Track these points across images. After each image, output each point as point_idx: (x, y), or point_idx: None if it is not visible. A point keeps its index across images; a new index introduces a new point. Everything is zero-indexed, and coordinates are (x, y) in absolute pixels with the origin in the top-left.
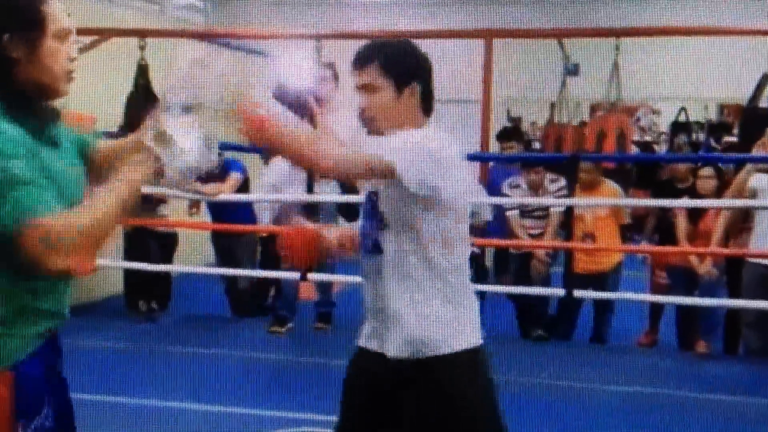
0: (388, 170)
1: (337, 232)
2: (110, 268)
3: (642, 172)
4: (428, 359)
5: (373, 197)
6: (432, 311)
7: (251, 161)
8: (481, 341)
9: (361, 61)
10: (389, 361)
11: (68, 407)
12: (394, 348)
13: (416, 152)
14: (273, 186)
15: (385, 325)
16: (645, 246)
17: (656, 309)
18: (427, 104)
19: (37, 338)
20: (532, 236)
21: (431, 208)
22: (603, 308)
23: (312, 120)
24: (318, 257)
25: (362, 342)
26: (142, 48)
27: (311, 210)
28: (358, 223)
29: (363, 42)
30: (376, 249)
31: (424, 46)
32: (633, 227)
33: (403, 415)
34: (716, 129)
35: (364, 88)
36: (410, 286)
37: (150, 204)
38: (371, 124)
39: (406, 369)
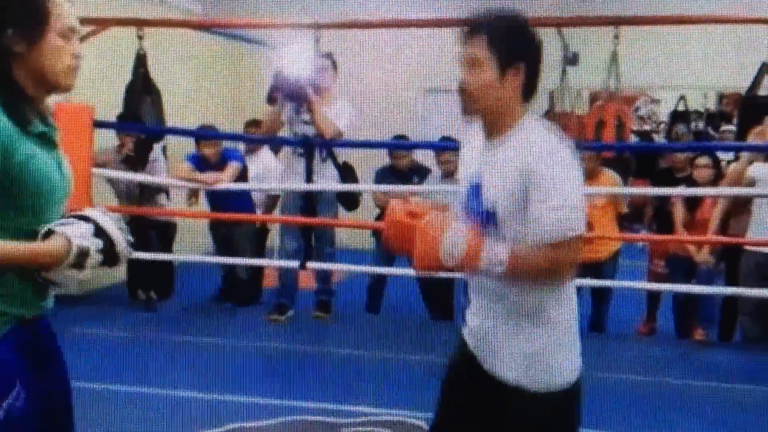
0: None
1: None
2: None
3: (641, 161)
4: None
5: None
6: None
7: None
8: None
9: (468, 31)
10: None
11: (61, 388)
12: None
13: (577, 201)
14: (257, 177)
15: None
16: (642, 234)
17: (654, 298)
18: (530, 90)
19: (10, 323)
20: None
21: None
22: (601, 297)
23: (310, 109)
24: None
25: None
26: (140, 38)
27: (310, 200)
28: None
29: (362, 31)
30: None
31: (424, 34)
32: (631, 217)
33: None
34: (715, 118)
35: (467, 62)
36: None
37: (147, 193)
38: (469, 101)
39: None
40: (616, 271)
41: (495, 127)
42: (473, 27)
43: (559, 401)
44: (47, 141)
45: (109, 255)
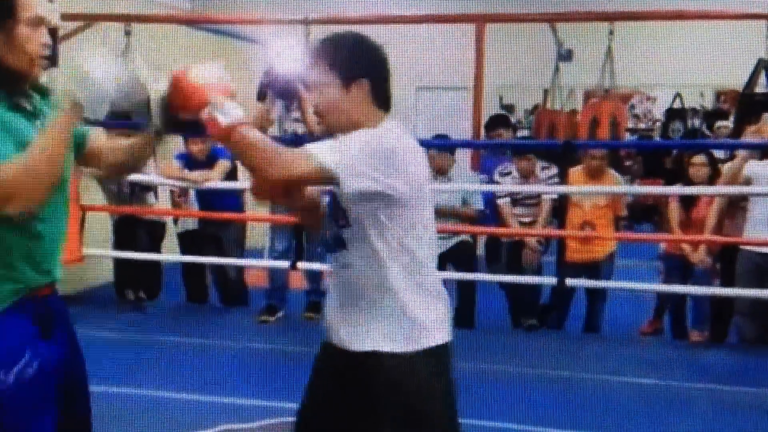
0: (330, 177)
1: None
2: (99, 257)
3: (649, 161)
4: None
5: (333, 193)
6: (399, 306)
7: None
8: (447, 338)
9: (311, 60)
10: (347, 353)
11: (74, 358)
12: (351, 341)
13: (361, 156)
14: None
15: (346, 317)
16: (638, 234)
17: (663, 297)
18: (381, 100)
19: (14, 294)
20: (523, 224)
21: (389, 204)
22: (596, 297)
23: (300, 107)
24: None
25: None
26: (128, 33)
27: None
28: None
29: (352, 27)
30: (339, 244)
31: (416, 31)
32: (639, 216)
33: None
34: (711, 116)
35: (314, 86)
36: (375, 281)
37: (138, 192)
38: (323, 120)
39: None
40: (613, 272)
41: None
42: (313, 55)
43: (420, 362)
44: (37, 116)
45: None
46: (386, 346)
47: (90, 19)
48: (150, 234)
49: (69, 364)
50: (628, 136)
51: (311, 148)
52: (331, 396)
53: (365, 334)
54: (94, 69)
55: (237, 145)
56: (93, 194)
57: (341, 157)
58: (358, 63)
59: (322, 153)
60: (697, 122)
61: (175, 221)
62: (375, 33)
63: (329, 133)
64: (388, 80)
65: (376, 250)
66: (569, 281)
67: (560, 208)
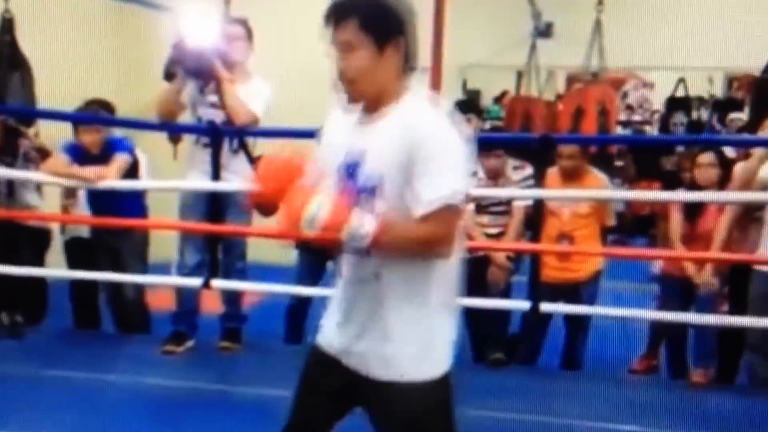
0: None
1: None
2: None
3: (642, 160)
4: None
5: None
6: (434, 326)
7: (148, 142)
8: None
9: (336, 18)
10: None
11: None
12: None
13: (459, 177)
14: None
15: (371, 338)
16: (629, 249)
17: (659, 328)
18: (411, 59)
19: None
20: (489, 236)
21: None
22: (576, 326)
23: (218, 89)
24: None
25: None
26: None
27: (217, 203)
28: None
29: None
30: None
31: None
32: (633, 227)
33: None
34: (722, 105)
35: (342, 47)
36: (412, 295)
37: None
38: (352, 86)
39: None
40: (597, 295)
41: (377, 104)
42: (341, 13)
43: (441, 388)
44: None
45: None
46: (418, 373)
47: None
48: (32, 243)
49: None
50: (619, 130)
51: (444, 197)
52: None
53: (398, 359)
54: None
55: (390, 248)
56: None
57: (462, 185)
58: (394, 22)
59: (456, 194)
60: (704, 113)
61: (62, 228)
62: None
63: (353, 100)
64: (417, 41)
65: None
66: (544, 306)
67: (534, 216)
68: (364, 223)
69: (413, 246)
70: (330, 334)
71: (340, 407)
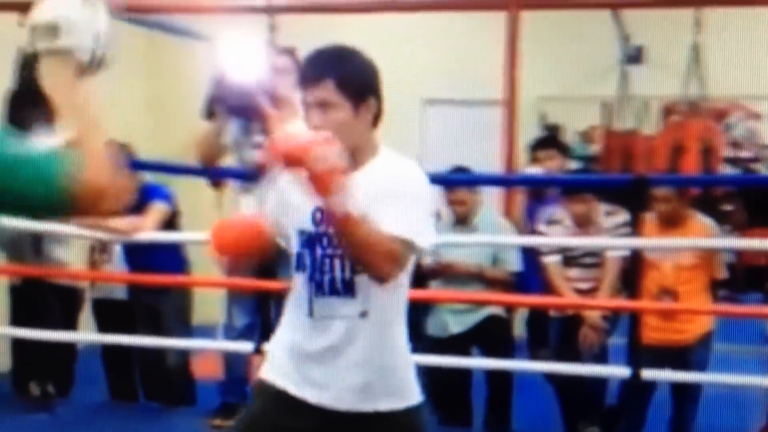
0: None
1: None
2: None
3: (758, 204)
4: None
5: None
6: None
7: (186, 188)
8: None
9: (313, 78)
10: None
11: None
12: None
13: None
14: None
15: (372, 375)
16: (743, 306)
17: None
18: (377, 117)
19: None
20: (580, 292)
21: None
22: (685, 396)
23: (265, 126)
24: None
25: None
26: (22, 26)
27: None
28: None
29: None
30: (348, 291)
31: (421, 24)
32: (731, 283)
33: None
34: None
35: (318, 105)
36: (394, 328)
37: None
38: None
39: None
40: (708, 360)
41: (354, 160)
42: (318, 73)
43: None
44: None
45: None
46: (417, 396)
47: None
48: (62, 304)
49: None
50: (727, 169)
51: (403, 232)
52: None
53: (402, 387)
54: None
55: (352, 236)
56: None
57: (428, 229)
58: (368, 83)
59: (418, 237)
60: None
61: (92, 286)
62: (367, 26)
63: None
64: (383, 97)
65: (393, 295)
66: (646, 373)
67: (631, 270)
68: (347, 201)
69: (374, 249)
70: (291, 371)
71: None
